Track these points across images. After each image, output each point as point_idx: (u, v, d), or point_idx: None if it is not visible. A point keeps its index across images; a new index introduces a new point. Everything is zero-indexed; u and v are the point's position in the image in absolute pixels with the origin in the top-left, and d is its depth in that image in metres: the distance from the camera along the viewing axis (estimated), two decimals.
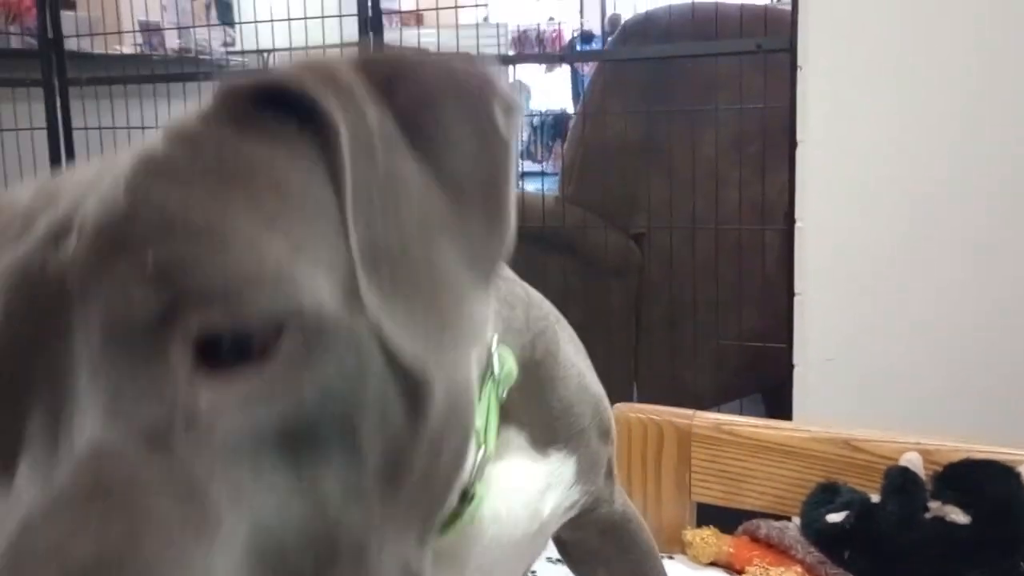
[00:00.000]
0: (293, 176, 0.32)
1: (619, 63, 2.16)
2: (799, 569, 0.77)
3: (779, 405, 1.73)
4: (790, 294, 1.55)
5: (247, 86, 0.34)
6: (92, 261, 0.29)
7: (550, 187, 2.40)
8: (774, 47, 1.69)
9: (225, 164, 0.32)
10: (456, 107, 0.35)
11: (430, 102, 0.35)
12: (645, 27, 2.15)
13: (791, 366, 1.57)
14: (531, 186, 3.13)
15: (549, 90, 6.96)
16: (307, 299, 0.29)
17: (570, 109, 5.61)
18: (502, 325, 0.47)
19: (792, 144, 1.54)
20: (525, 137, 6.96)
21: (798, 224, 1.54)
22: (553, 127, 6.84)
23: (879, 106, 1.46)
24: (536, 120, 7.00)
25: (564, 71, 7.24)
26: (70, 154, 2.32)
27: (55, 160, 2.31)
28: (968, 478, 0.75)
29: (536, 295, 0.54)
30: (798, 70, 1.51)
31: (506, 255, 0.36)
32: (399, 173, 0.33)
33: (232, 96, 0.34)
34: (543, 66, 6.69)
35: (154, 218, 0.29)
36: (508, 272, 0.52)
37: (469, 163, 0.34)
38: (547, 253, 2.20)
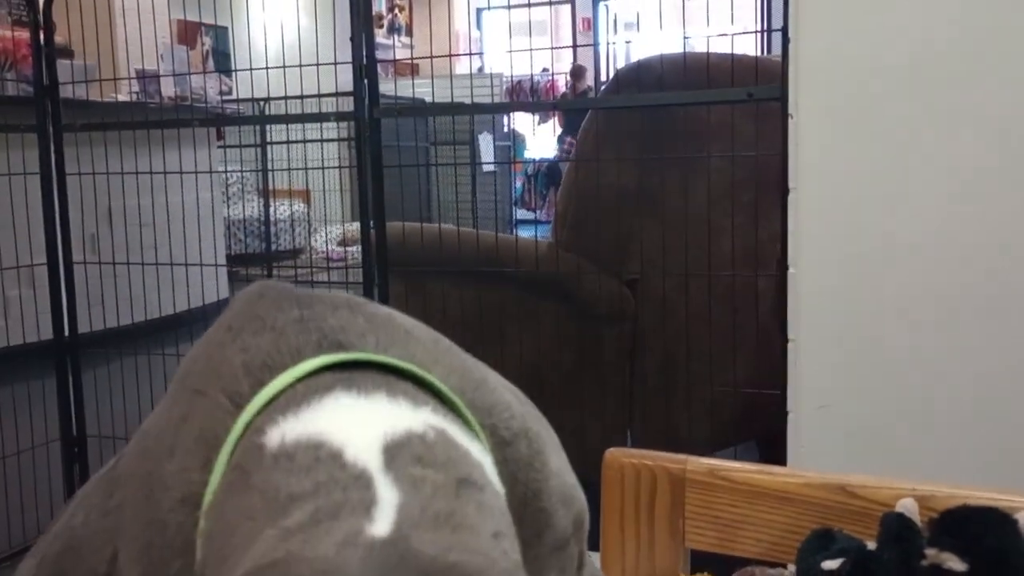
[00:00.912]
0: None
1: (612, 112, 2.18)
2: None
3: (773, 452, 1.72)
4: (784, 341, 1.55)
5: None
6: None
7: (543, 235, 2.41)
8: (765, 96, 1.71)
9: None
10: None
11: None
12: (638, 76, 2.17)
13: (785, 413, 1.56)
14: (524, 234, 3.14)
15: (542, 139, 7.03)
16: None
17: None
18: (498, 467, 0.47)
19: (784, 191, 1.54)
20: (519, 185, 7.02)
21: (791, 271, 1.54)
22: (547, 175, 6.91)
23: (870, 153, 1.48)
24: (530, 169, 7.07)
25: (557, 120, 7.31)
26: (63, 199, 2.32)
27: (47, 205, 2.31)
28: (965, 525, 0.74)
29: (515, 403, 0.54)
30: (789, 118, 1.52)
31: None
32: None
33: None
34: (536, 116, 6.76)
35: None
36: (490, 374, 0.53)
37: None
38: (541, 299, 2.20)
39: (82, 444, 2.45)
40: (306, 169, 2.44)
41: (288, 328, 0.47)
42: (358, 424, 0.41)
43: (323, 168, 2.86)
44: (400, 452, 0.40)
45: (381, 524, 0.36)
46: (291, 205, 6.19)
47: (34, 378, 2.41)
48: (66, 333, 2.42)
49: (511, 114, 7.05)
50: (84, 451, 2.45)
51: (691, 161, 2.04)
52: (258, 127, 4.84)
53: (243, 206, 5.95)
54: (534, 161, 7.04)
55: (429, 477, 0.39)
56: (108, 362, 2.51)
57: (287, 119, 2.75)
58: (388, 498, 0.37)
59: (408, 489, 0.38)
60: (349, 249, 5.32)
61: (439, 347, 0.52)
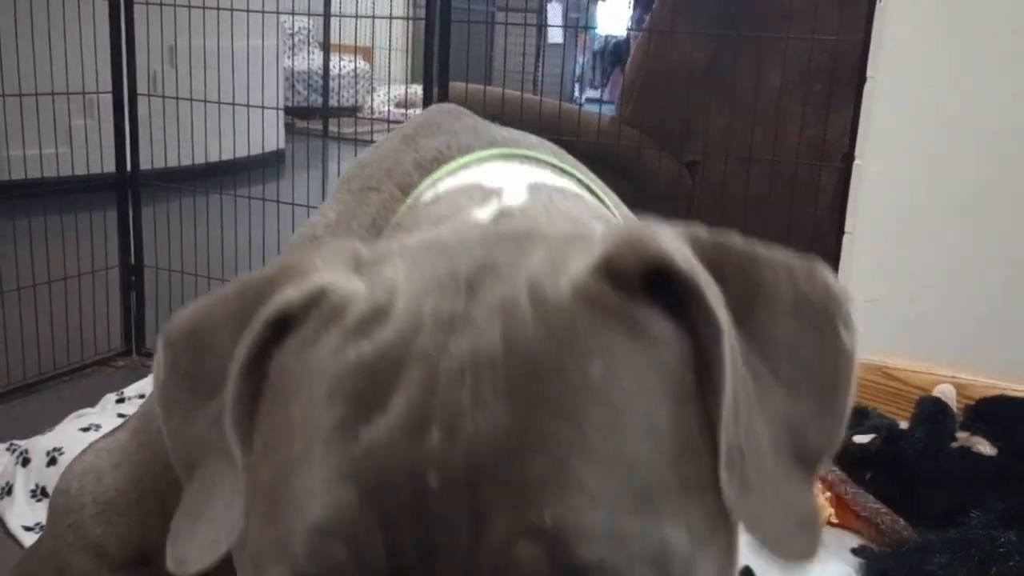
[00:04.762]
0: (660, 384, 0.33)
1: None
2: (819, 485, 0.78)
3: None
4: (840, 232, 1.53)
5: (632, 263, 0.33)
6: (466, 493, 0.29)
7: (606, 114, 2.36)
8: None
9: (602, 383, 0.32)
10: (797, 315, 0.36)
11: (770, 305, 0.35)
12: None
13: None
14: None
15: (614, 14, 6.78)
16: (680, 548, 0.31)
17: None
18: None
19: (861, 79, 1.50)
20: (582, 61, 6.86)
21: (857, 162, 1.51)
22: (613, 54, 6.72)
23: (957, 47, 1.41)
24: (598, 44, 6.88)
25: None
26: (129, 28, 2.32)
27: (114, 32, 2.31)
28: (1001, 413, 0.74)
29: None
30: (877, 2, 1.46)
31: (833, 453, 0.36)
32: (751, 374, 0.34)
33: (614, 272, 0.34)
34: None
35: (535, 463, 0.30)
36: None
37: (808, 369, 0.35)
38: (598, 172, 2.18)
39: (139, 273, 2.53)
40: (373, 18, 2.40)
41: (462, 132, 0.54)
42: (508, 174, 0.49)
43: (390, 18, 2.82)
44: (541, 188, 0.48)
45: (488, 210, 0.45)
46: (355, 61, 6.12)
47: (95, 208, 2.47)
48: (128, 167, 2.46)
49: None
50: (141, 280, 2.53)
51: (767, 43, 1.97)
52: None
53: (307, 56, 5.90)
54: (604, 37, 6.84)
55: (559, 202, 0.48)
56: (168, 199, 2.56)
57: None
58: (510, 200, 0.47)
59: (532, 199, 0.47)
60: (407, 111, 5.29)
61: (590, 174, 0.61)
